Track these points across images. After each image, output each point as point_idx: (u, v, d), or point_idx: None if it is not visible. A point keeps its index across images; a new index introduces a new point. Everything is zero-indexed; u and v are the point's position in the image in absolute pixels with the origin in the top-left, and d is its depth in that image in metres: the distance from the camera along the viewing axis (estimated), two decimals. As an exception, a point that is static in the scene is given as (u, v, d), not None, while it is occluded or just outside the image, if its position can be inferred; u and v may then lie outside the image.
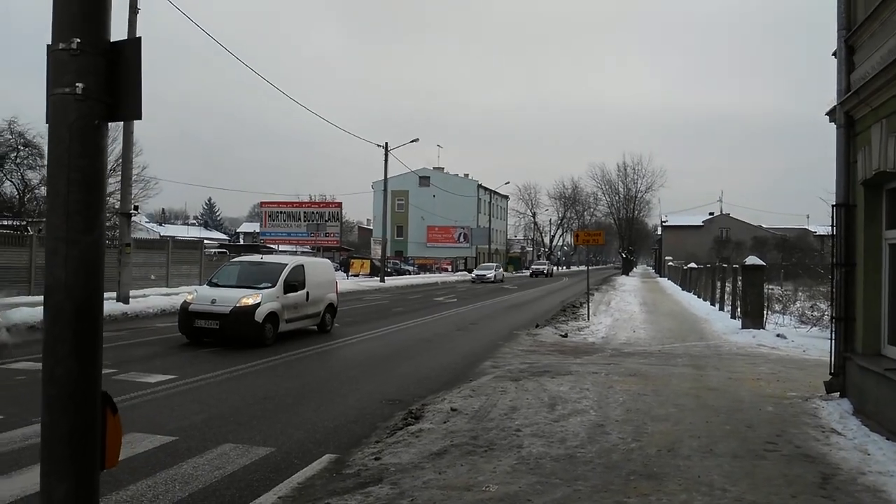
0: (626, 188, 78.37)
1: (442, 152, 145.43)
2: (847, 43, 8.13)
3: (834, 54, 8.44)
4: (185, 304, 13.27)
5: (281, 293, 13.68)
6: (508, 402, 7.98)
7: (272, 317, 13.24)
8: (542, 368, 10.67)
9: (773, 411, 7.82)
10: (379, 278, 42.83)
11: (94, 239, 2.15)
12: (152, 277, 27.40)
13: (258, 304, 12.91)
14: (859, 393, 7.66)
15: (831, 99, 8.48)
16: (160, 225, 79.53)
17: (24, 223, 46.75)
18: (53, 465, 2.10)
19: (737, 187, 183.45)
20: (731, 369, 11.00)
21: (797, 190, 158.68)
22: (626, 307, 24.89)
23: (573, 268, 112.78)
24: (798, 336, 16.05)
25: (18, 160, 53.41)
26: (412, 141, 44.02)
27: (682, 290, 38.98)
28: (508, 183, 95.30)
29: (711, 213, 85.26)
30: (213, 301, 12.99)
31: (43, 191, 54.32)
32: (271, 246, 52.85)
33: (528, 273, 72.52)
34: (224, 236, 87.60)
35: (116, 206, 22.52)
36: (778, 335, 15.80)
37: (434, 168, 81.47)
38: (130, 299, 19.46)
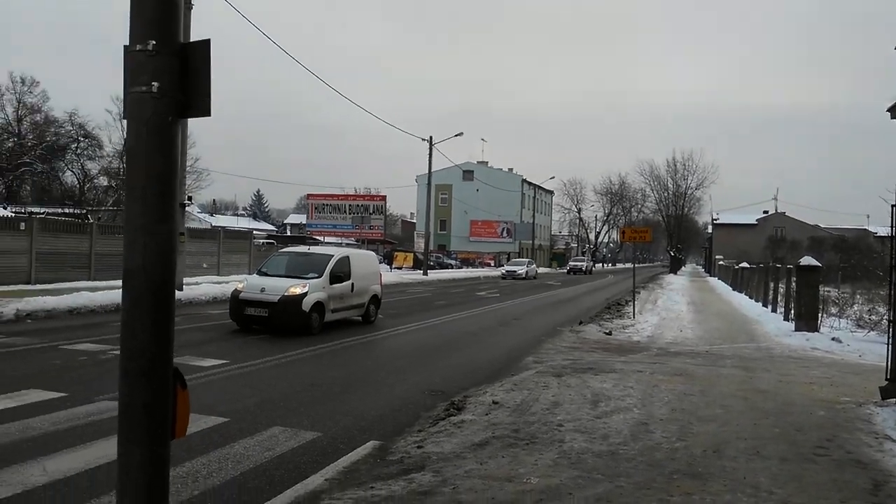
0: (675, 185, 76.65)
1: (486, 146, 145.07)
2: (912, 37, 7.85)
3: (897, 49, 8.17)
4: (236, 293, 13.67)
5: (327, 283, 13.96)
6: (550, 398, 8.00)
7: (318, 306, 13.53)
8: (586, 365, 10.65)
9: (824, 415, 7.65)
10: (422, 271, 43.13)
11: (168, 228, 2.32)
12: (204, 266, 28.22)
13: (305, 294, 13.21)
14: (916, 399, 7.43)
15: (893, 94, 8.23)
16: (211, 215, 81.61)
17: (84, 211, 48.65)
18: (131, 433, 2.28)
19: (793, 185, 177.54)
20: (782, 372, 10.76)
21: (857, 189, 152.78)
22: (674, 306, 24.50)
23: (619, 265, 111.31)
24: (854, 340, 15.56)
25: (79, 151, 55.63)
26: (456, 135, 44.05)
27: (733, 290, 38.11)
28: (553, 178, 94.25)
29: (766, 212, 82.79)
30: (263, 290, 13.34)
31: (101, 180, 56.43)
32: (317, 237, 53.72)
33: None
34: (272, 227, 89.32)
35: (171, 196, 23.25)
36: (833, 339, 15.35)
37: (478, 162, 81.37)
38: (184, 286, 20.09)
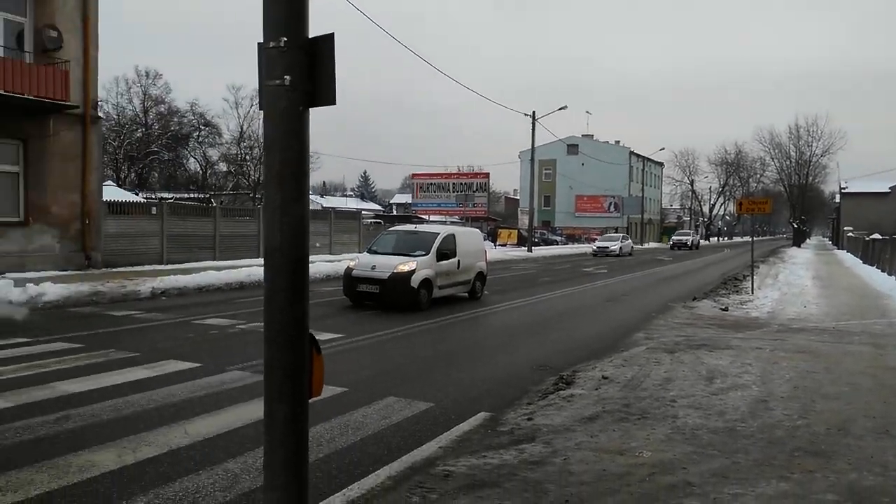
0: (798, 152, 71.57)
1: (591, 119, 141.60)
2: None
3: None
4: (349, 270, 14.29)
5: (434, 261, 14.29)
6: (663, 374, 7.87)
7: (426, 283, 13.90)
8: (700, 342, 10.34)
9: (967, 397, 7.07)
10: (526, 248, 42.99)
11: (301, 207, 2.57)
12: (317, 245, 29.53)
13: (413, 271, 13.60)
14: None
15: None
16: (321, 197, 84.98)
17: (207, 195, 52.03)
18: (274, 392, 2.56)
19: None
20: (917, 350, 9.99)
21: None
22: (796, 280, 23.11)
23: (736, 238, 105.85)
24: None
25: (200, 139, 59.50)
26: (560, 109, 43.23)
27: (863, 263, 35.35)
28: (663, 149, 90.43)
29: (901, 179, 75.79)
30: (373, 267, 13.86)
31: (221, 166, 60.01)
32: (422, 216, 54.69)
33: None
34: (379, 207, 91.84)
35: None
36: (979, 314, 14.01)
37: (583, 136, 79.54)
38: (299, 265, 21.12)
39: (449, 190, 51.89)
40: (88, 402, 6.31)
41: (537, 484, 4.47)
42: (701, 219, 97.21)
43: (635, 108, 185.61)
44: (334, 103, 2.56)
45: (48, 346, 9.03)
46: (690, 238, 62.42)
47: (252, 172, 55.68)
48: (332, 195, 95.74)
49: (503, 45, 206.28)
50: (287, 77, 2.47)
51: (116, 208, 21.95)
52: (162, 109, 57.63)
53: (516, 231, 56.43)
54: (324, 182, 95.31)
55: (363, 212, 49.22)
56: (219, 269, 19.09)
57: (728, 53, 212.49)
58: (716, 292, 19.27)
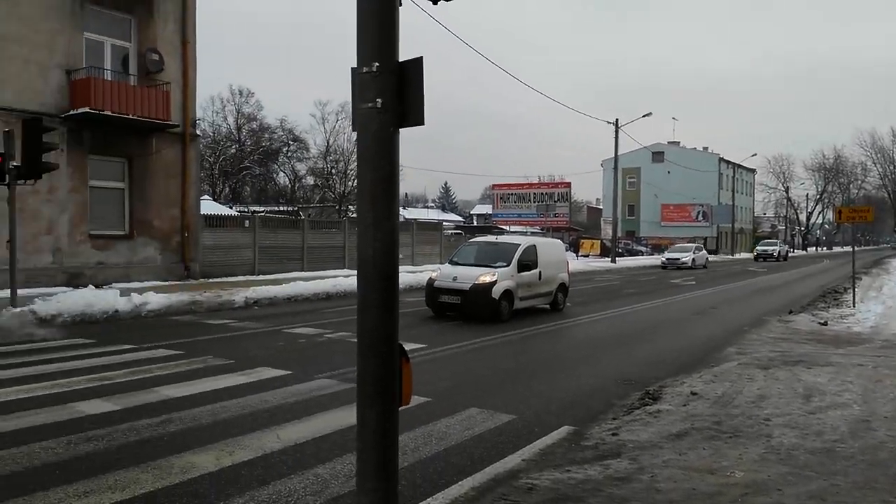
0: (903, 156, 67.01)
1: (677, 125, 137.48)
2: None
3: None
4: (431, 281, 14.48)
5: (515, 272, 14.26)
6: (756, 391, 7.55)
7: (507, 294, 13.89)
8: (796, 357, 9.84)
9: None
10: (610, 259, 42.16)
11: (392, 223, 2.69)
12: (400, 256, 30.00)
13: (494, 282, 13.63)
14: None
15: None
16: (403, 208, 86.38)
17: (295, 208, 53.98)
18: (366, 398, 2.68)
19: None
20: None
21: None
22: (903, 293, 21.55)
23: (835, 248, 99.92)
24: None
25: (289, 154, 61.91)
26: (644, 115, 42.23)
27: (982, 274, 32.55)
28: (755, 155, 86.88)
29: None
30: (455, 278, 13.99)
31: (309, 179, 62.15)
32: (502, 227, 54.69)
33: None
34: (459, 218, 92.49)
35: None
36: None
37: (668, 142, 77.37)
38: (382, 276, 21.57)
39: (529, 200, 51.59)
40: (188, 407, 6.69)
41: (623, 501, 4.40)
42: (797, 228, 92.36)
43: (723, 112, 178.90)
44: (423, 123, 2.66)
45: (151, 352, 9.63)
46: (777, 248, 57.19)
47: (337, 185, 57.39)
48: (414, 206, 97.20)
49: (577, 46, 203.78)
50: (379, 100, 2.60)
51: (212, 221, 23.18)
52: (254, 126, 60.44)
53: (599, 241, 55.45)
54: (405, 194, 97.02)
55: (444, 223, 49.68)
56: (306, 279, 19.78)
57: (821, 46, 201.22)
58: (814, 305, 18.28)
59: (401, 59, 2.63)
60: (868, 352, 10.56)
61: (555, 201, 49.99)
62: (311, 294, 17.71)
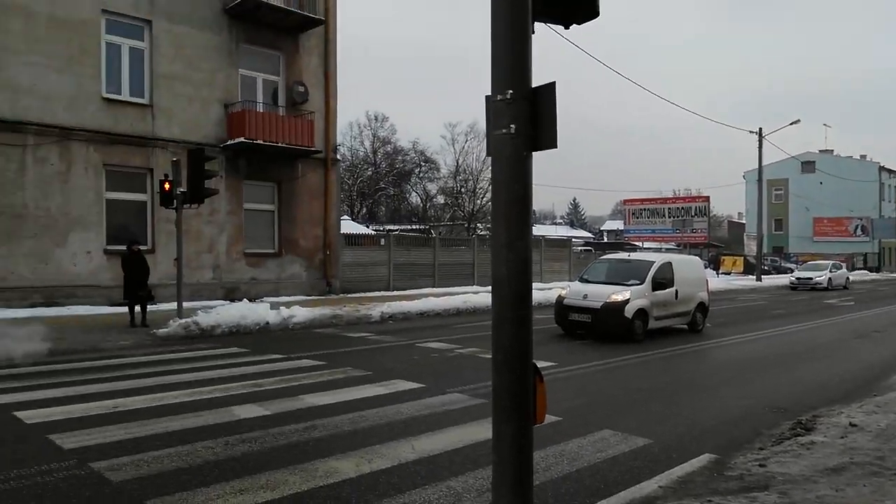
0: None
1: (829, 132, 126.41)
2: None
3: None
4: (560, 299, 14.34)
5: (649, 290, 13.79)
6: (927, 424, 6.79)
7: (641, 313, 13.45)
8: (978, 389, 8.74)
9: None
10: (754, 277, 39.58)
11: (525, 243, 2.77)
12: (529, 273, 29.98)
13: (627, 301, 13.25)
14: None
15: None
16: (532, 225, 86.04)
17: (427, 227, 55.51)
18: (502, 414, 2.75)
19: None
20: None
21: None
22: None
23: None
24: None
25: (421, 174, 63.92)
26: (791, 123, 39.46)
27: None
28: (924, 161, 77.98)
29: None
30: (585, 296, 13.76)
31: (439, 198, 63.78)
32: (635, 243, 52.91)
33: None
34: (589, 234, 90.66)
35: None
36: None
37: (820, 151, 71.51)
38: (512, 293, 21.64)
39: (664, 215, 49.54)
40: (330, 415, 7.09)
41: (771, 536, 4.13)
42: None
43: (882, 116, 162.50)
44: (556, 146, 2.71)
45: (297, 362, 10.30)
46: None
47: (466, 203, 58.37)
48: (542, 223, 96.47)
49: (723, 54, 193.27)
50: (512, 126, 2.69)
51: (351, 240, 24.47)
52: (388, 149, 63.11)
53: (742, 258, 52.16)
54: (534, 211, 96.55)
55: (573, 239, 48.93)
56: (437, 295, 20.27)
57: None
58: None
59: (533, 84, 2.72)
60: None
61: (692, 216, 47.67)
62: (442, 310, 18.13)
